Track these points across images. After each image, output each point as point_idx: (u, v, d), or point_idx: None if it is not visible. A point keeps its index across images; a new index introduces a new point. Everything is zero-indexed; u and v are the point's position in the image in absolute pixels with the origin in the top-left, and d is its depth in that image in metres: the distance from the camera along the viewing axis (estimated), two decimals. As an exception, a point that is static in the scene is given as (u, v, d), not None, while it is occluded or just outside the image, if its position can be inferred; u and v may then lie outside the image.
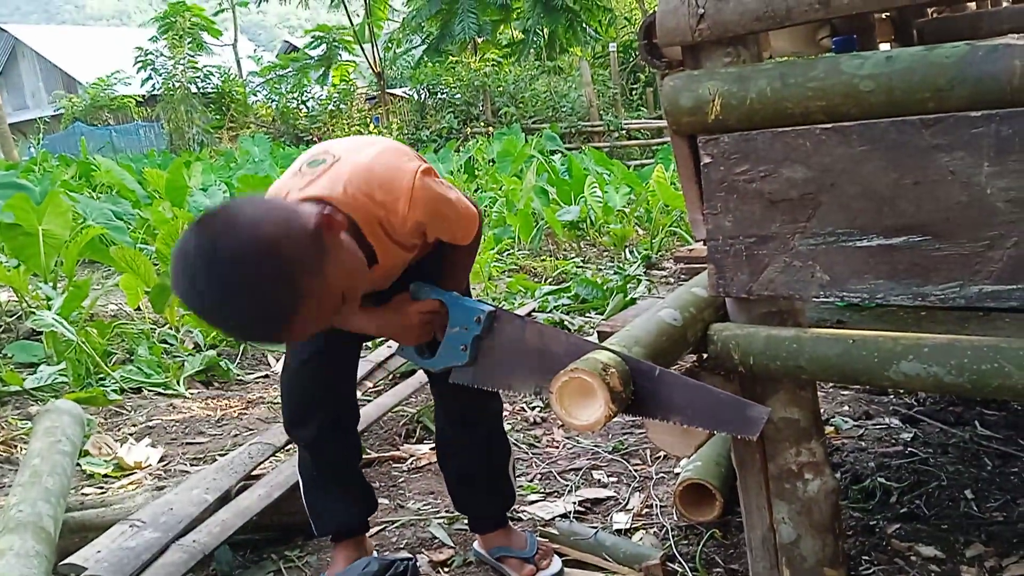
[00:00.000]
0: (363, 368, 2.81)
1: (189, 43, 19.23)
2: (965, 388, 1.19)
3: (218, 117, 19.66)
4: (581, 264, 5.58)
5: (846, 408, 2.57)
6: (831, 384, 2.76)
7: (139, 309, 4.12)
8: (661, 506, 2.01)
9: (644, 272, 5.15)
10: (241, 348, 3.60)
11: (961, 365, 1.18)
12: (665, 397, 1.22)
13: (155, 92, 20.03)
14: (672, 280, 4.79)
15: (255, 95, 20.79)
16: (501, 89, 15.59)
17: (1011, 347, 1.15)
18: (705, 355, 1.48)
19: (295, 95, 19.13)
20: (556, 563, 1.73)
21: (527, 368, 1.37)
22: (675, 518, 1.92)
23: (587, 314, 4.15)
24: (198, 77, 19.53)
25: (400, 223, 1.37)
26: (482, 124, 14.82)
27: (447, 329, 1.44)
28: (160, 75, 19.59)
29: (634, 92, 16.97)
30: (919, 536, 1.76)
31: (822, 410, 2.18)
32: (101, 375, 3.20)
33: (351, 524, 1.78)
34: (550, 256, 5.84)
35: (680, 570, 1.71)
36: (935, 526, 1.80)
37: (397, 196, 1.36)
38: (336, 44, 19.24)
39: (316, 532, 1.77)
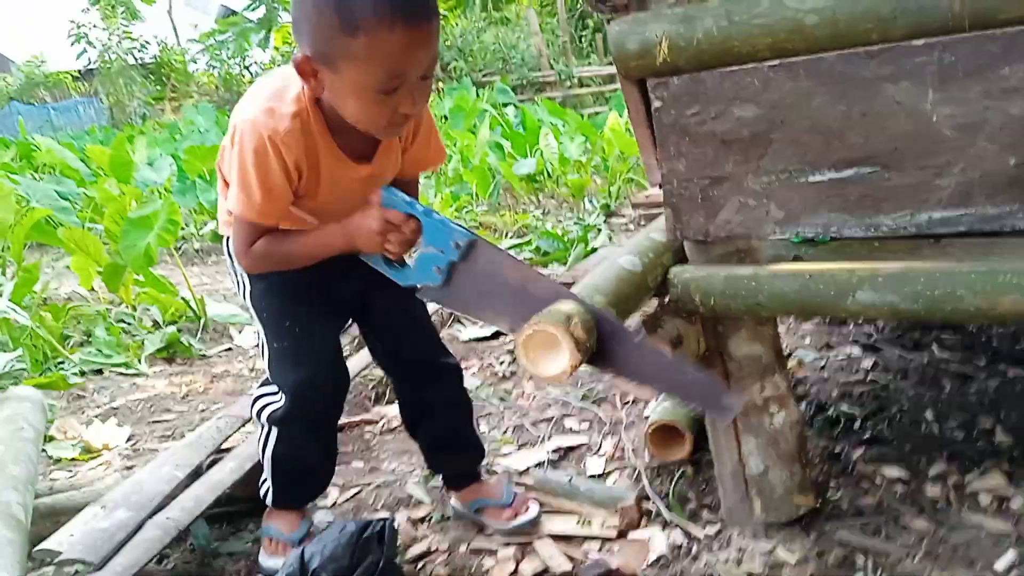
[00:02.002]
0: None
1: (122, 12, 18.58)
2: (920, 314, 1.22)
3: (159, 88, 19.13)
4: (541, 217, 5.57)
5: (808, 341, 2.62)
6: (792, 319, 2.81)
7: (93, 290, 4.03)
8: (633, 449, 2.04)
9: (604, 221, 5.16)
10: (202, 323, 3.56)
11: (915, 292, 1.21)
12: (641, 365, 1.23)
13: (91, 66, 19.38)
14: (632, 227, 4.81)
15: (195, 63, 20.21)
16: (448, 43, 15.33)
17: (962, 271, 1.18)
18: (666, 299, 1.49)
19: (237, 61, 18.63)
20: (534, 508, 1.76)
21: (503, 304, 1.33)
22: (647, 459, 1.95)
23: (549, 266, 4.16)
24: (135, 48, 18.93)
25: None
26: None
27: (421, 246, 1.38)
28: (95, 48, 18.94)
29: (583, 39, 16.80)
30: (884, 459, 1.82)
31: (784, 345, 2.22)
32: (60, 359, 3.14)
33: (317, 495, 1.81)
34: (509, 210, 5.82)
35: (655, 508, 1.74)
36: (898, 448, 1.86)
37: None
38: (276, 5, 18.70)
39: (278, 506, 1.72)
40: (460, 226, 1.35)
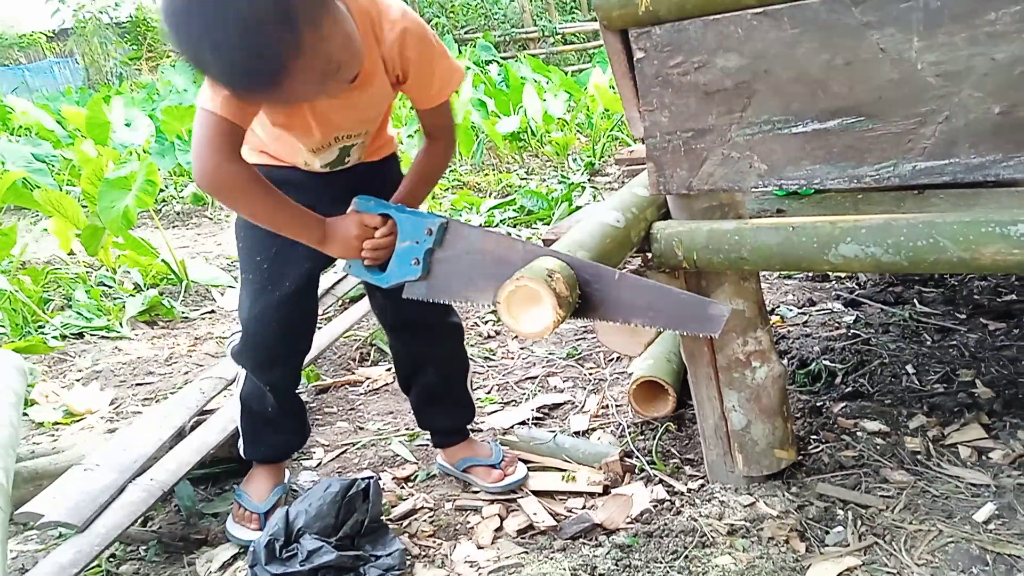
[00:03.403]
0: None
1: (95, -30, 18.14)
2: (902, 266, 1.22)
3: (135, 48, 18.73)
4: (525, 176, 5.53)
5: (790, 297, 2.63)
6: (775, 275, 2.82)
7: (72, 253, 3.98)
8: (617, 405, 2.05)
9: (588, 179, 5.14)
10: (184, 285, 3.52)
11: (898, 244, 1.20)
12: (625, 300, 1.21)
13: (65, 26, 18.95)
14: (616, 185, 4.79)
15: (173, 22, 19.75)
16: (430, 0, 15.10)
17: (945, 222, 1.17)
18: (649, 254, 1.48)
19: (215, 19, 18.22)
20: (521, 469, 1.76)
21: (484, 278, 1.32)
22: (630, 416, 1.96)
23: (534, 225, 4.14)
24: (109, 6, 18.49)
25: (390, 29, 1.32)
26: (414, 38, 14.36)
27: (397, 243, 1.39)
28: (69, 7, 18.50)
29: (567, -5, 16.58)
30: (864, 413, 1.83)
31: (767, 301, 2.22)
32: (40, 323, 3.11)
33: (291, 451, 1.81)
34: (493, 170, 5.77)
35: (638, 464, 1.75)
36: (879, 402, 1.87)
37: (390, 4, 1.33)
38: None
39: (249, 456, 1.73)
40: (431, 213, 1.36)
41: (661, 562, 1.43)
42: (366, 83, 1.36)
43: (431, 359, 1.75)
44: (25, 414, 2.26)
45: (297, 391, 1.74)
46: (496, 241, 1.32)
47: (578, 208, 4.12)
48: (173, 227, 5.23)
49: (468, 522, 1.65)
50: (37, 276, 3.43)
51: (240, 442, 1.73)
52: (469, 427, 1.85)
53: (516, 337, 2.63)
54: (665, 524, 1.53)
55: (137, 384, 2.61)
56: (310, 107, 1.37)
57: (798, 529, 1.47)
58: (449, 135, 1.54)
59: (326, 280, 2.95)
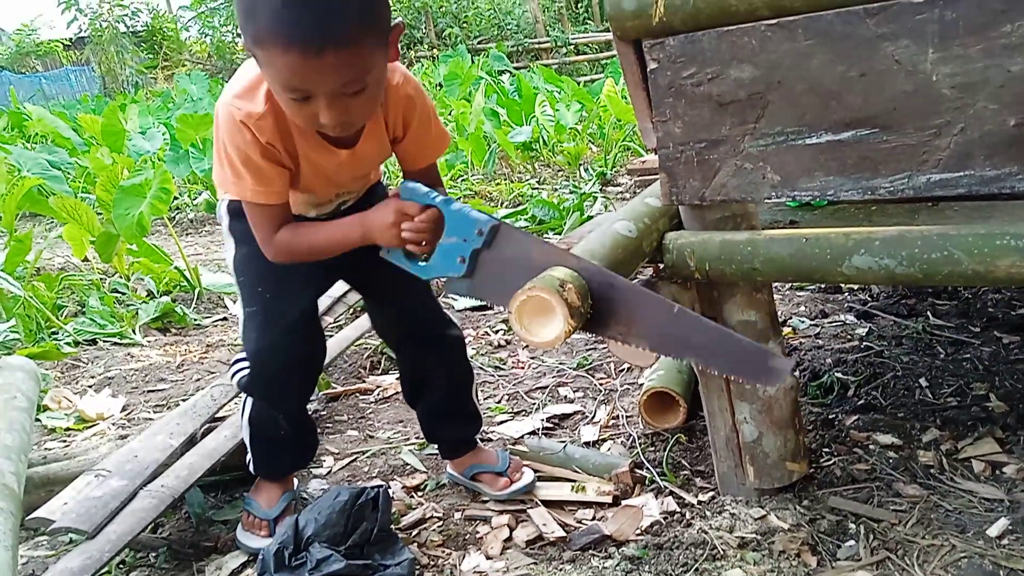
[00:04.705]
0: (323, 303, 2.78)
1: (112, -21, 18.34)
2: (916, 278, 1.21)
3: (151, 56, 18.91)
4: (536, 185, 5.54)
5: (803, 309, 2.62)
6: (788, 286, 2.80)
7: (86, 260, 4.01)
8: (627, 416, 2.04)
9: (600, 189, 5.14)
10: (197, 292, 3.54)
11: (912, 255, 1.20)
12: (680, 336, 1.18)
13: (82, 34, 19.15)
14: (628, 195, 4.78)
15: (187, 31, 19.98)
16: (444, 9, 15.17)
17: (960, 234, 1.16)
18: (661, 265, 1.48)
19: (229, 28, 18.39)
20: (528, 475, 1.76)
21: None
22: (641, 427, 1.95)
23: (545, 235, 4.14)
24: (126, 15, 18.68)
25: (394, 92, 1.37)
26: (426, 47, 14.47)
27: (443, 237, 1.34)
28: (86, 15, 18.70)
29: (580, 5, 16.63)
30: (876, 426, 1.82)
31: (779, 312, 2.21)
32: (53, 329, 3.13)
33: (301, 465, 1.80)
34: (505, 179, 5.78)
35: (648, 475, 1.75)
36: (892, 415, 1.86)
37: (394, 69, 1.37)
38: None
39: (259, 474, 1.73)
40: (483, 213, 1.31)
41: (671, 574, 1.42)
42: (370, 138, 1.40)
43: (436, 374, 1.75)
44: (37, 419, 2.27)
45: (307, 411, 1.75)
46: (546, 251, 1.27)
47: (590, 218, 4.12)
48: (187, 234, 5.26)
49: (477, 532, 1.64)
50: (51, 282, 3.46)
51: (249, 460, 1.72)
52: (477, 437, 1.85)
53: (527, 347, 2.62)
54: (675, 536, 1.52)
55: (149, 391, 2.62)
56: (314, 169, 1.40)
57: (809, 543, 1.46)
58: (440, 186, 1.57)
59: (336, 289, 2.95)
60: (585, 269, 1.21)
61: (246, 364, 1.62)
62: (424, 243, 1.35)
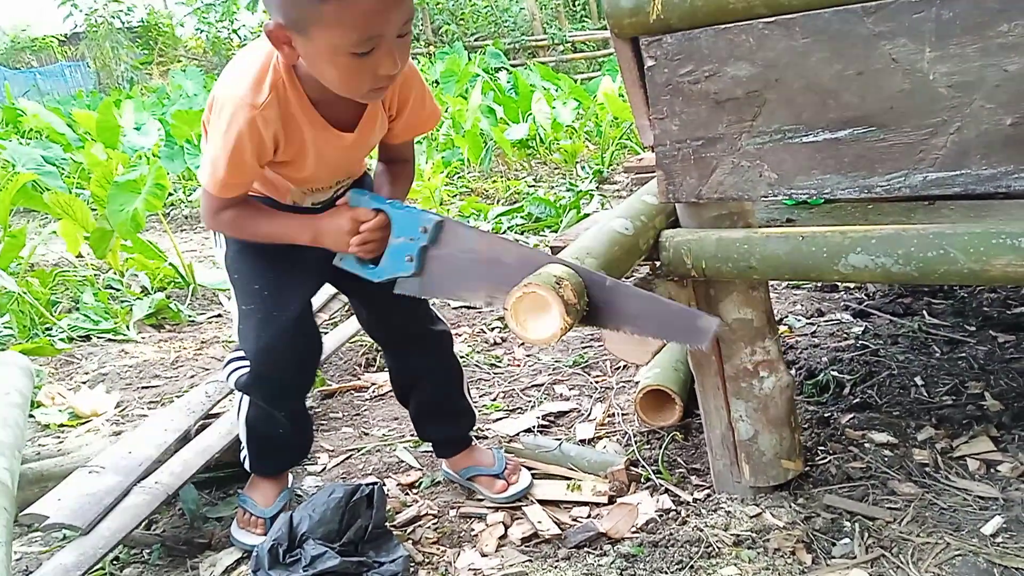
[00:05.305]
0: (318, 300, 2.77)
1: (108, -25, 18.29)
2: (912, 276, 1.21)
3: (146, 52, 18.85)
4: (533, 183, 5.53)
5: (799, 307, 2.62)
6: (784, 284, 2.81)
7: (80, 255, 4.00)
8: (623, 414, 2.04)
9: (596, 187, 5.14)
10: (191, 289, 3.53)
11: (908, 254, 1.20)
12: (618, 307, 1.21)
13: (78, 30, 19.09)
14: (625, 193, 4.78)
15: (183, 27, 19.92)
16: (440, 6, 15.14)
17: (956, 233, 1.17)
18: (658, 262, 1.48)
19: (224, 24, 18.35)
20: (526, 476, 1.76)
21: (477, 278, 1.32)
22: (637, 425, 1.95)
23: (541, 233, 4.14)
24: (121, 11, 18.62)
25: None
26: (423, 44, 14.43)
27: (391, 239, 1.38)
28: (81, 11, 18.64)
29: (577, 2, 16.62)
30: (872, 424, 1.82)
31: (775, 311, 2.21)
32: (47, 325, 3.12)
33: (296, 462, 1.81)
34: (501, 177, 5.78)
35: (644, 473, 1.75)
36: (887, 413, 1.86)
37: None
38: (264, -33, 18.38)
39: (255, 471, 1.73)
40: (426, 211, 1.36)
41: (666, 572, 1.42)
42: (371, 120, 1.41)
43: (424, 370, 1.74)
44: (31, 416, 2.26)
45: (306, 405, 1.75)
46: (490, 242, 1.32)
47: (586, 216, 4.12)
48: (181, 231, 5.25)
49: (472, 529, 1.64)
50: (45, 278, 3.44)
51: (243, 457, 1.72)
52: (472, 433, 1.84)
53: (522, 344, 2.62)
54: (670, 534, 1.52)
55: (143, 387, 2.61)
56: (319, 154, 1.39)
57: (804, 540, 1.46)
58: (413, 158, 1.61)
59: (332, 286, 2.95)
60: (526, 254, 1.27)
61: (243, 363, 1.60)
62: (374, 249, 1.38)
